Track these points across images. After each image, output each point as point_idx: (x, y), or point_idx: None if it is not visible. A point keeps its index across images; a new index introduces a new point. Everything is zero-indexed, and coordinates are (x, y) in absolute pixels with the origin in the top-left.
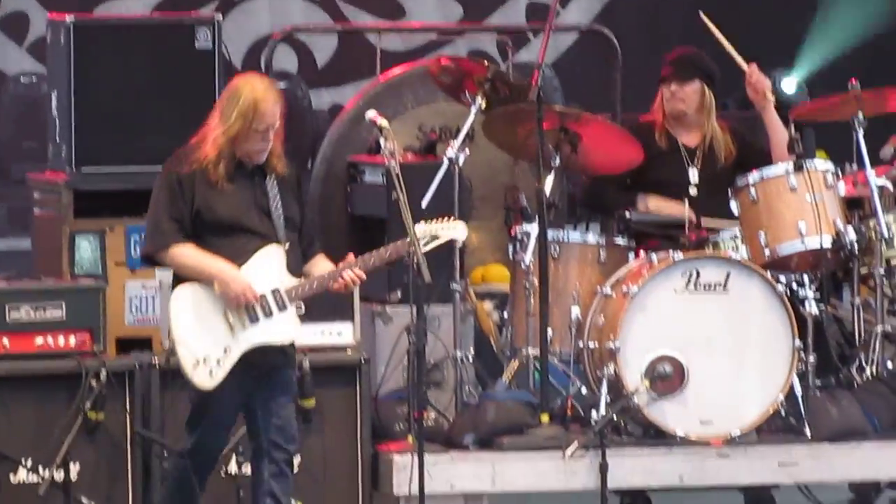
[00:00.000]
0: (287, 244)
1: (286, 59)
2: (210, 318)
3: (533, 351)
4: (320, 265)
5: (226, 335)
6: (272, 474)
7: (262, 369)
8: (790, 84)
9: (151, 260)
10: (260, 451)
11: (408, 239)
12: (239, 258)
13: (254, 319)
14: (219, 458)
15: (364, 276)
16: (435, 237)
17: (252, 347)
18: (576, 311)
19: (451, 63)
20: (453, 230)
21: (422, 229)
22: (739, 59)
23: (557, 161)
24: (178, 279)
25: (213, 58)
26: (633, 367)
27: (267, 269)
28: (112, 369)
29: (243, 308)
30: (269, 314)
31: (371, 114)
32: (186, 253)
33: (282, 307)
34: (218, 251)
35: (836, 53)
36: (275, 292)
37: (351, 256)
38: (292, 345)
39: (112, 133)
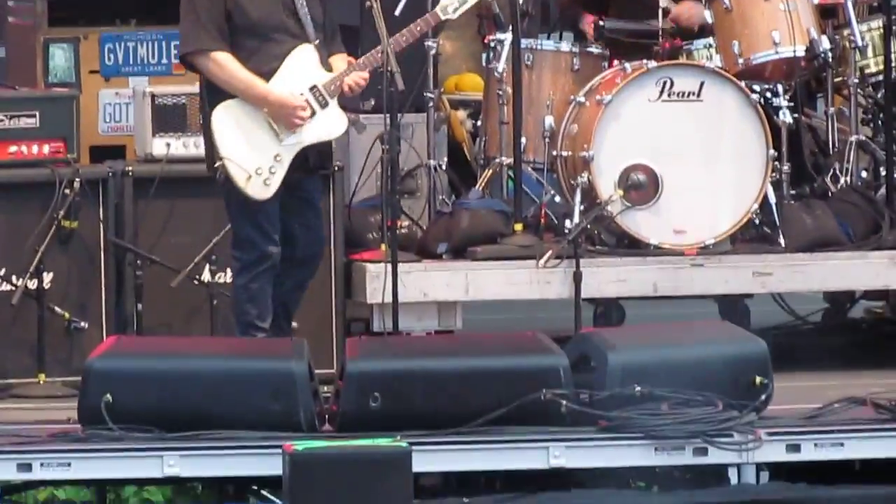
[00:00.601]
0: (317, 41)
1: None
2: (254, 129)
3: (506, 159)
4: (337, 65)
5: (273, 143)
6: (294, 286)
7: (303, 171)
8: None
9: (188, 63)
10: (288, 261)
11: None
12: (272, 61)
13: (311, 116)
14: (277, 264)
15: (365, 80)
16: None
17: (303, 148)
18: (549, 119)
19: None
20: None
21: None
22: None
23: None
24: (210, 92)
25: None
26: (606, 176)
27: (302, 68)
28: (85, 177)
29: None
30: (312, 114)
31: None
32: (229, 64)
33: (323, 104)
34: (250, 54)
35: None
36: (314, 90)
37: (350, 60)
38: (330, 143)
39: None
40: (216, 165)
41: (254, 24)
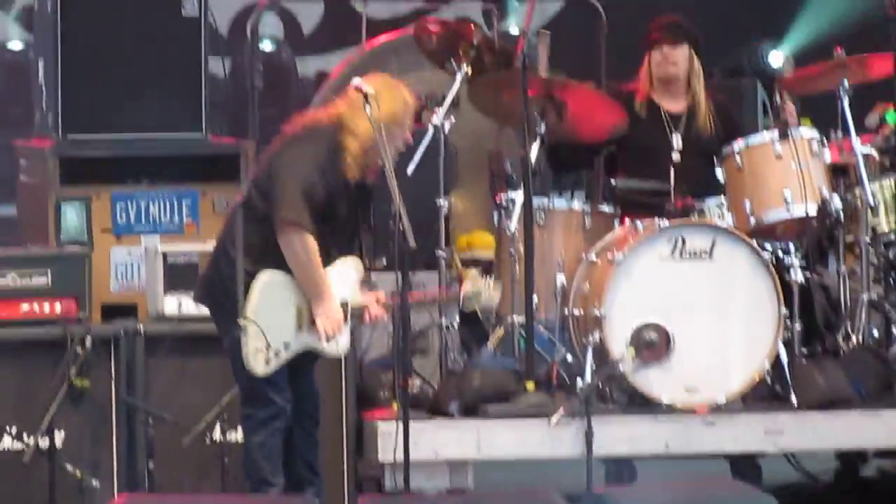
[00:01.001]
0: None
1: (272, 27)
2: (285, 308)
3: (518, 318)
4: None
5: (291, 329)
6: (306, 442)
7: (300, 360)
8: (777, 57)
9: (271, 225)
10: (290, 422)
11: (451, 292)
12: (327, 259)
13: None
14: (288, 418)
15: (385, 318)
16: (477, 296)
17: (307, 350)
18: (561, 278)
19: (437, 23)
20: (492, 299)
21: (471, 287)
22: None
23: (542, 128)
24: (261, 252)
25: (200, 25)
26: (618, 335)
27: (343, 280)
28: (97, 336)
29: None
30: None
31: (356, 81)
32: (313, 251)
33: (344, 320)
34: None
35: (825, 31)
36: (343, 305)
37: (381, 295)
38: None
39: (98, 100)
40: (241, 325)
41: (334, 221)
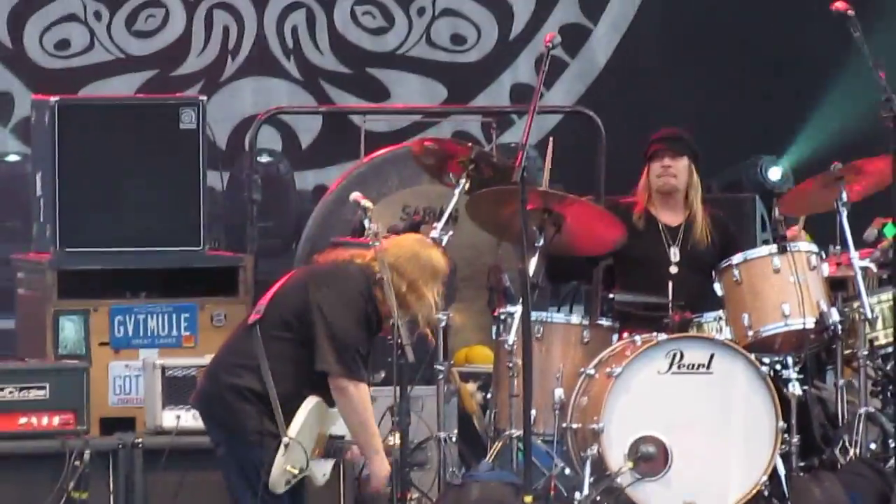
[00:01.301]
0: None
1: (270, 140)
2: (312, 435)
3: (516, 431)
4: None
5: (309, 454)
6: None
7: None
8: (776, 172)
9: (334, 379)
10: None
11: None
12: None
13: (326, 456)
14: None
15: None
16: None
17: (305, 477)
18: (559, 391)
19: (434, 144)
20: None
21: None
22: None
23: (541, 242)
24: (300, 379)
25: (198, 138)
26: (616, 448)
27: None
28: (96, 449)
29: (324, 445)
30: (328, 456)
31: (355, 195)
32: (369, 405)
33: (336, 455)
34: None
35: (825, 147)
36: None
37: (355, 451)
38: None
39: (96, 213)
40: (285, 442)
41: None
